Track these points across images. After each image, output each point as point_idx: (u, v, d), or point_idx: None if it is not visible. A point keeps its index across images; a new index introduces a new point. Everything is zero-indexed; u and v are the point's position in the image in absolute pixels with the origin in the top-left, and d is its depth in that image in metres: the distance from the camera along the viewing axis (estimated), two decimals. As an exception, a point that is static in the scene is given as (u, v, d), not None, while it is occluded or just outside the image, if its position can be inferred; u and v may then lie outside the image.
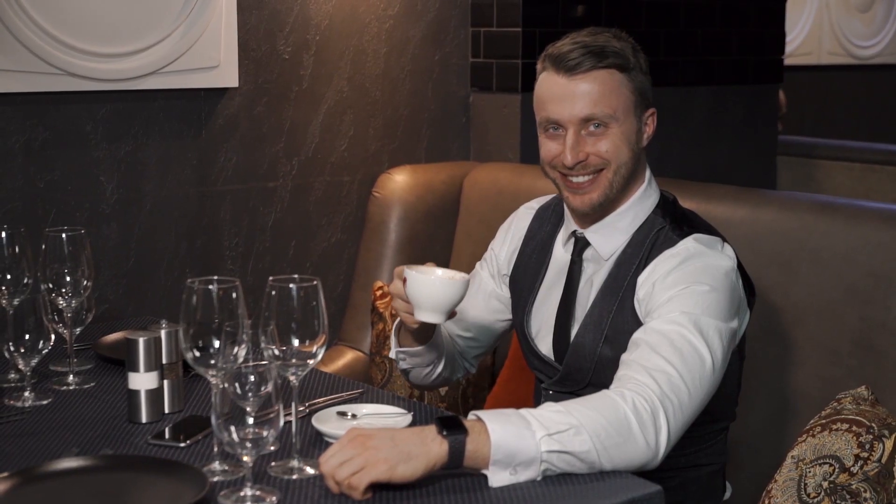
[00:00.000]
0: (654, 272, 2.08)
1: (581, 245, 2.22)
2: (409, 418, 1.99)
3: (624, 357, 1.96)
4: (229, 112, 3.27)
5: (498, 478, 1.72)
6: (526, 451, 1.71)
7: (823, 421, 2.19)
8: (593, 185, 2.13)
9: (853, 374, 2.44)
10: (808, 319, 2.54)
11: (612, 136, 2.11)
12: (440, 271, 2.03)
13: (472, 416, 1.76)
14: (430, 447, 1.69)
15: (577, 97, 2.10)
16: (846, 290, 2.48)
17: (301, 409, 2.04)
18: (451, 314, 2.04)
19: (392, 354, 2.29)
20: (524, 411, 1.76)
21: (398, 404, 2.09)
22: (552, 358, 2.25)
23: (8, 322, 2.13)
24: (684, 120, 4.05)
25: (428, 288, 2.00)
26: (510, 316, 2.40)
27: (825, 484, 2.10)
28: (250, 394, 1.65)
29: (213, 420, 1.67)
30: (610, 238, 2.18)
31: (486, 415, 1.74)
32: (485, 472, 1.72)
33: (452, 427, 1.71)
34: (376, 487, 1.68)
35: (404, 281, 2.02)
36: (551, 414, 1.75)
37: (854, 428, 2.13)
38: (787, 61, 4.72)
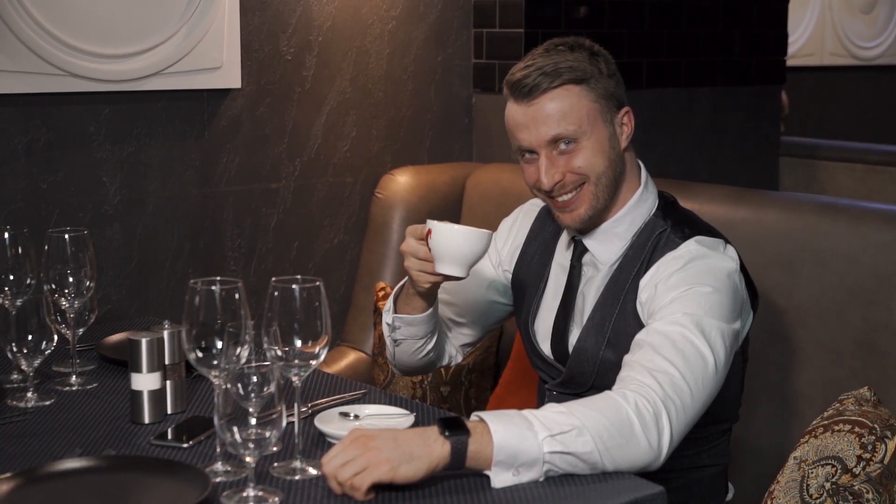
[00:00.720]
0: (657, 275, 2.08)
1: (580, 250, 2.22)
2: (411, 419, 1.99)
3: (626, 358, 1.96)
4: (232, 113, 3.28)
5: (500, 479, 1.72)
6: (528, 451, 1.71)
7: (826, 422, 2.19)
8: (578, 200, 2.14)
9: (856, 375, 2.44)
10: (810, 320, 2.54)
11: (583, 151, 2.11)
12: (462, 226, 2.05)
13: (474, 416, 1.76)
14: (432, 448, 1.69)
15: (539, 121, 2.11)
16: (849, 291, 2.48)
17: (303, 409, 2.04)
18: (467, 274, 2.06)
19: (388, 320, 2.27)
20: (526, 412, 1.76)
21: (401, 405, 2.09)
22: (555, 360, 2.26)
23: (11, 323, 2.13)
24: (687, 121, 4.05)
25: (454, 239, 2.01)
26: (506, 309, 2.41)
27: (827, 485, 2.10)
28: (253, 394, 1.66)
29: (215, 421, 1.67)
30: (608, 244, 2.18)
31: (489, 416, 1.74)
32: (487, 472, 1.72)
33: (455, 428, 1.71)
34: (379, 488, 1.68)
35: (427, 234, 2.03)
36: (554, 415, 1.75)
37: (856, 429, 2.13)
38: (790, 62, 4.71)
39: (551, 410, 1.77)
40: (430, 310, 2.21)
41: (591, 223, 2.18)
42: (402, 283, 2.25)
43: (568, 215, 2.16)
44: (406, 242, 2.10)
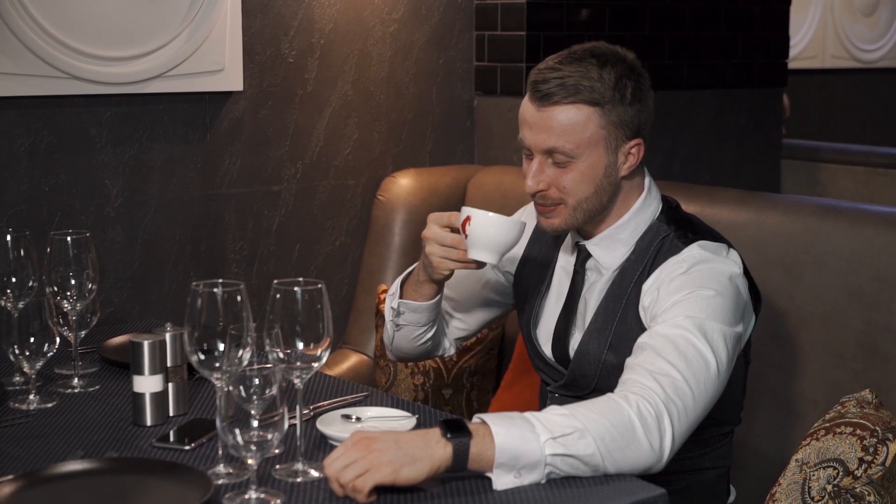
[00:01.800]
0: (659, 279, 2.08)
1: (584, 255, 2.22)
2: (413, 421, 2.00)
3: (629, 361, 1.96)
4: (234, 115, 3.28)
5: (502, 481, 1.72)
6: (530, 454, 1.71)
7: (827, 424, 2.19)
8: (555, 213, 2.15)
9: (857, 378, 2.44)
10: (812, 323, 2.54)
11: (573, 172, 2.10)
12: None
13: (476, 419, 1.76)
14: (434, 450, 1.69)
15: (542, 128, 2.10)
16: (850, 294, 2.48)
17: (305, 412, 2.04)
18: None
19: (393, 304, 2.28)
20: (528, 414, 1.76)
21: (403, 407, 2.09)
22: (557, 363, 2.26)
23: (13, 325, 2.13)
24: (689, 123, 4.05)
25: (494, 227, 2.05)
26: (503, 307, 2.42)
27: (829, 487, 2.10)
28: (255, 397, 1.66)
29: (217, 423, 1.67)
30: (612, 250, 2.18)
31: (491, 418, 1.74)
32: (489, 474, 1.72)
33: (457, 430, 1.71)
34: (381, 490, 1.69)
35: (466, 220, 2.05)
36: (556, 417, 1.76)
37: (858, 431, 2.13)
38: (792, 65, 4.72)
39: (553, 413, 1.77)
40: (437, 298, 2.23)
41: (589, 229, 2.19)
42: (410, 269, 2.26)
43: (545, 220, 2.17)
44: (429, 229, 2.12)
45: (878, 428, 2.12)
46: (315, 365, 1.79)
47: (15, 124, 2.93)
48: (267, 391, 1.66)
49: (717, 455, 2.24)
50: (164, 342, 2.08)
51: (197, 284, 1.80)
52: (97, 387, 2.27)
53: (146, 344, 2.06)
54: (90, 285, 2.24)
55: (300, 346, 1.77)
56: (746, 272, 2.14)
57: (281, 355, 1.77)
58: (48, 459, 1.88)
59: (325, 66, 3.44)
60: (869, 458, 2.09)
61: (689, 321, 1.96)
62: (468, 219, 2.06)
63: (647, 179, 2.22)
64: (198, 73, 3.17)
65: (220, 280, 1.81)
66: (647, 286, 2.10)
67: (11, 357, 2.14)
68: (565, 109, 2.08)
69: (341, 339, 3.47)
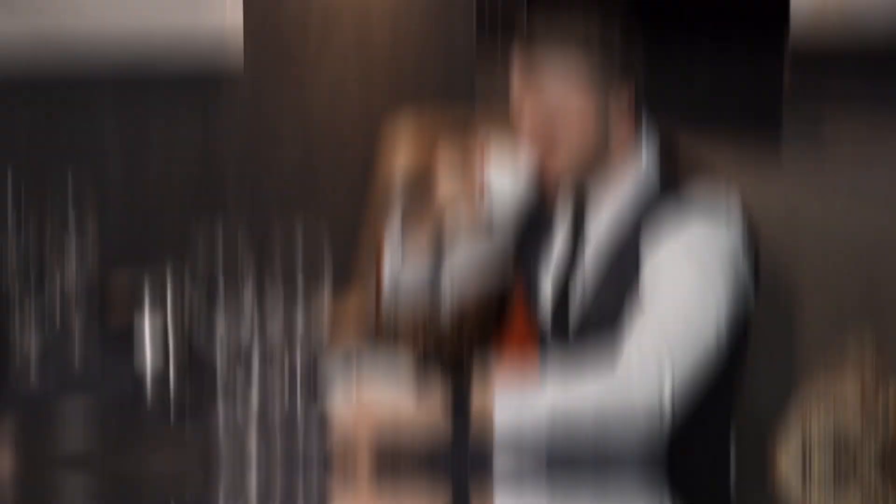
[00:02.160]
0: (654, 246, 2.07)
1: (580, 220, 2.22)
2: (412, 391, 2.00)
3: (624, 329, 1.98)
4: (235, 97, 3.27)
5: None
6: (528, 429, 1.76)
7: (827, 372, 2.18)
8: (549, 159, 2.14)
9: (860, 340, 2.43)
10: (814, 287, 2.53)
11: (564, 121, 2.11)
12: None
13: (476, 396, 1.82)
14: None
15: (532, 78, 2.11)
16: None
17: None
18: None
19: (393, 268, 2.38)
20: (524, 391, 1.83)
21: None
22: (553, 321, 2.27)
23: (13, 311, 2.14)
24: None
25: (512, 190, 2.13)
26: (501, 277, 2.43)
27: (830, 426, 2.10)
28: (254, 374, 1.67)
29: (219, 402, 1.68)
30: (607, 213, 2.18)
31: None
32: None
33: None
34: (380, 479, 1.69)
35: (483, 183, 2.11)
36: (549, 391, 1.82)
37: (858, 374, 2.13)
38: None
39: (548, 387, 1.84)
40: (437, 257, 2.31)
41: (585, 194, 2.19)
42: (407, 231, 2.37)
43: (541, 169, 2.18)
44: (442, 183, 2.21)
45: (877, 372, 2.12)
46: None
47: (12, 104, 2.93)
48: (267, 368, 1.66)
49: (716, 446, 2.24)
50: (165, 322, 2.09)
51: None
52: (99, 368, 2.28)
53: (147, 327, 2.06)
54: (90, 270, 2.24)
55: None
56: (750, 246, 2.11)
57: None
58: (48, 450, 1.89)
59: (326, 46, 3.42)
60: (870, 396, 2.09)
61: (685, 290, 1.97)
62: (485, 182, 2.11)
63: (644, 134, 2.19)
64: (198, 55, 3.17)
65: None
66: (643, 253, 2.09)
67: (12, 342, 2.15)
68: (552, 59, 2.08)
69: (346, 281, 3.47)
